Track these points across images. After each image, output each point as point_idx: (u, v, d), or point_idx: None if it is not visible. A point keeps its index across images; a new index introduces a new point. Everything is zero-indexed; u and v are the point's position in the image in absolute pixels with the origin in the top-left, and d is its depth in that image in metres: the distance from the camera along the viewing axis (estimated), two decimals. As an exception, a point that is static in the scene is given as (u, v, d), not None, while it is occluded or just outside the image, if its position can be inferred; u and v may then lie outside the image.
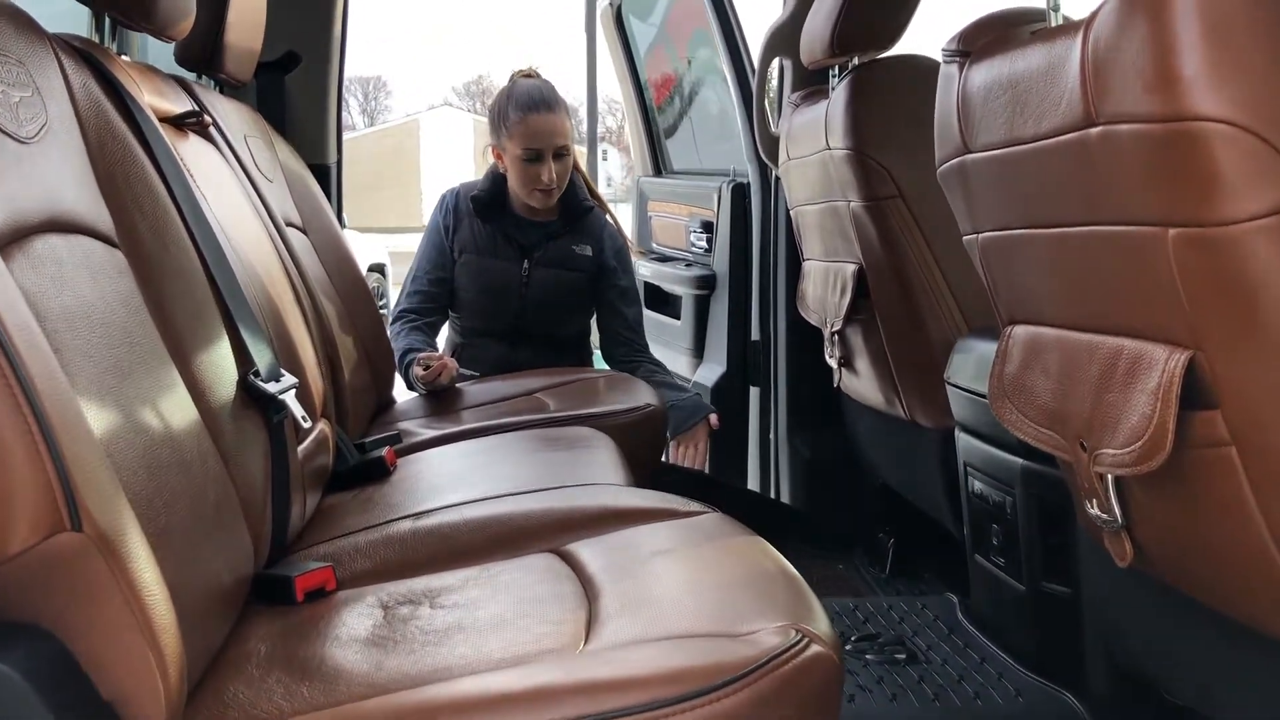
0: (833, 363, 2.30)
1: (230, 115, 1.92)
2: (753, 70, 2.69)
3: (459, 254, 2.60)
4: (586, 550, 1.27)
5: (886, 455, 2.37)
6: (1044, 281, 1.28)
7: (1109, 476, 1.18)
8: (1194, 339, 1.04)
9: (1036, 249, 1.27)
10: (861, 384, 2.27)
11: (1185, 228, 1.00)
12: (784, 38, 2.51)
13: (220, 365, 1.25)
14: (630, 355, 2.62)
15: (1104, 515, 1.22)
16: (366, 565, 1.34)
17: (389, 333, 2.50)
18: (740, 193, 2.86)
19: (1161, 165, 1.00)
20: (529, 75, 2.58)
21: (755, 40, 2.71)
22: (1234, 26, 0.96)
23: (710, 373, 2.95)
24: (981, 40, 1.36)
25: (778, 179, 2.67)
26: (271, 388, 1.31)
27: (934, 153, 1.52)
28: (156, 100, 1.51)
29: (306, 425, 1.36)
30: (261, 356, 1.32)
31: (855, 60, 2.14)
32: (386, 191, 27.26)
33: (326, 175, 2.50)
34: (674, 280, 3.14)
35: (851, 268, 2.13)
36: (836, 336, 2.25)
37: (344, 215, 2.65)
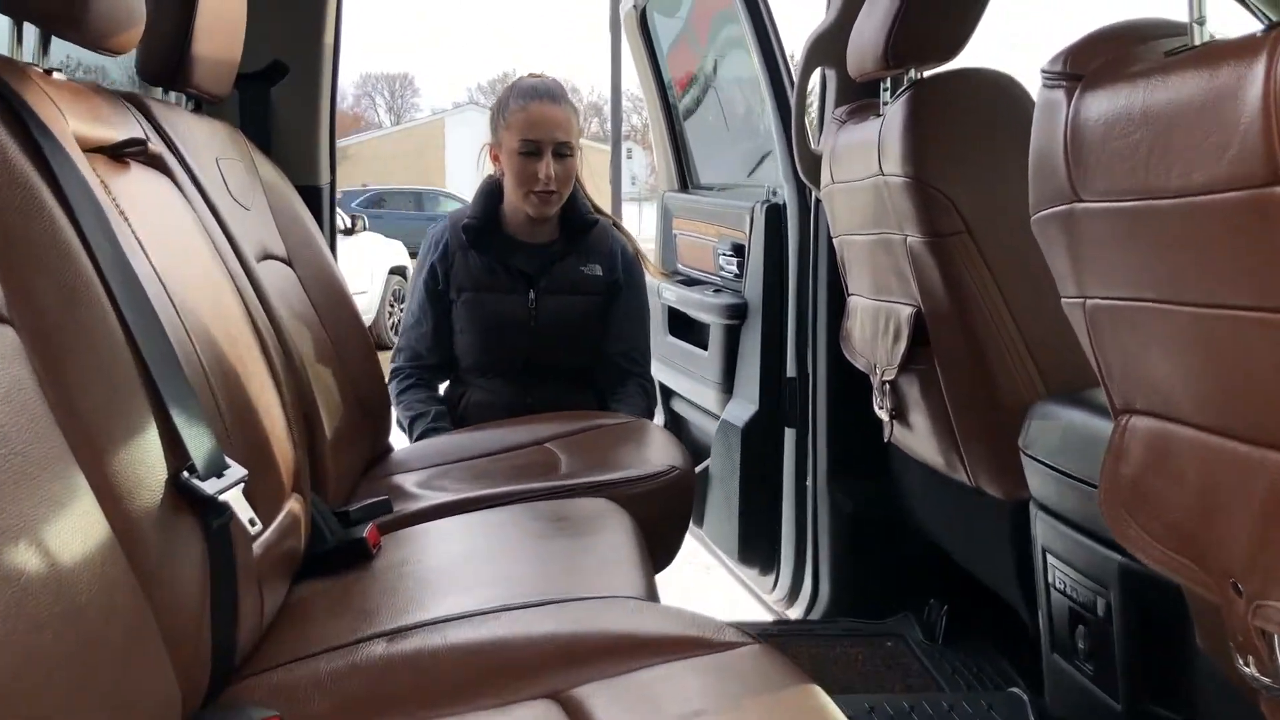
0: (883, 414, 2.03)
1: (197, 136, 1.67)
2: (791, 81, 2.43)
3: (457, 294, 2.34)
4: (596, 699, 1.02)
5: (943, 519, 2.09)
6: (1180, 369, 1.01)
7: (1278, 637, 0.90)
8: None
9: (1172, 328, 0.99)
10: (917, 440, 2.00)
11: None
12: (827, 46, 2.23)
13: (145, 463, 1.00)
14: (622, 388, 2.37)
15: (1264, 679, 0.94)
16: (324, 706, 1.09)
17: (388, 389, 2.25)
18: (775, 215, 2.59)
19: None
20: (536, 75, 2.33)
21: (793, 46, 2.45)
22: None
23: (740, 410, 2.69)
24: (1097, 61, 1.08)
25: (818, 201, 2.40)
26: (210, 486, 1.05)
27: (1009, 182, 1.38)
28: (89, 127, 1.25)
29: (255, 530, 1.11)
30: (199, 446, 1.07)
31: (912, 73, 1.88)
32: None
33: (318, 198, 2.24)
34: (701, 308, 2.88)
35: (907, 310, 1.86)
36: (888, 386, 1.98)
37: (338, 243, 2.39)
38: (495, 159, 2.32)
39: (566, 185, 2.29)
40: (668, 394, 3.28)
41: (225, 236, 1.58)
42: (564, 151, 2.25)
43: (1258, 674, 0.95)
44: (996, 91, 1.71)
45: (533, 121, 2.22)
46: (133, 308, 1.06)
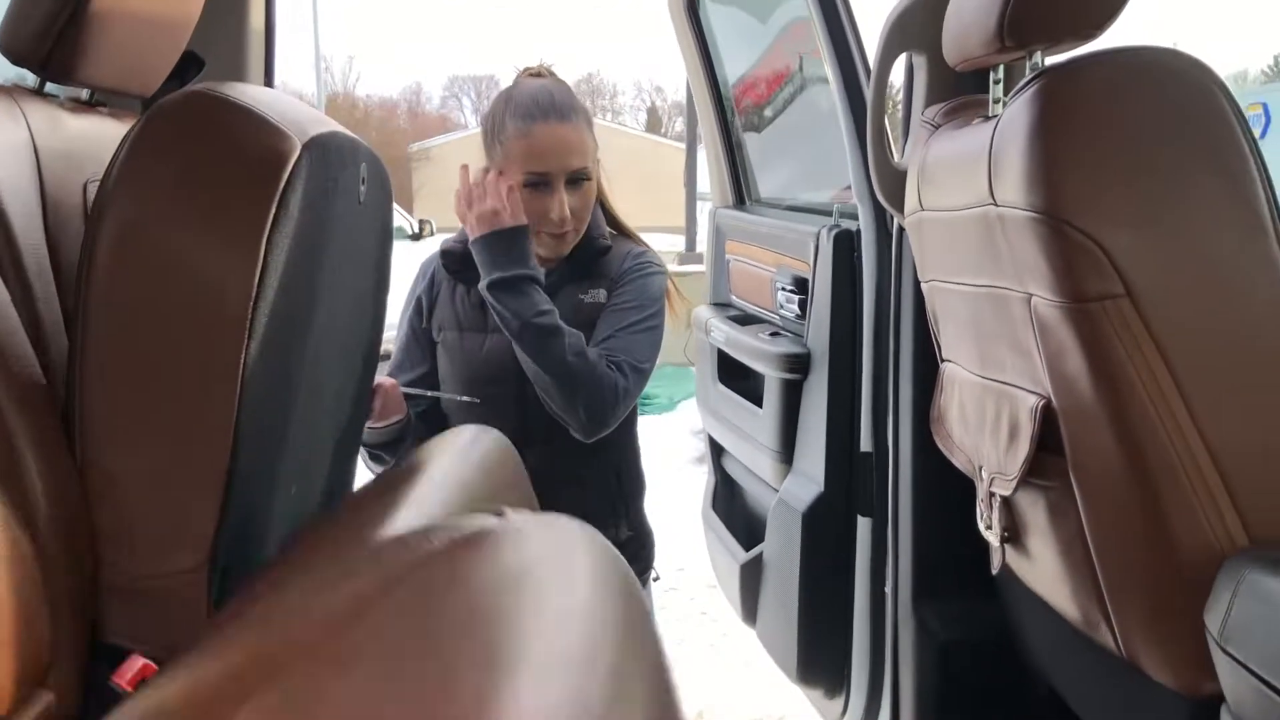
0: (990, 537, 1.46)
1: (76, 146, 1.20)
2: (867, 71, 1.86)
3: (438, 333, 1.83)
4: None
5: (1078, 683, 1.50)
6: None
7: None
8: None
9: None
10: (1040, 579, 1.42)
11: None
12: (916, 25, 1.67)
13: None
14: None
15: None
16: None
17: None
18: (846, 243, 2.03)
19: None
20: (537, 74, 1.79)
21: (870, 31, 1.88)
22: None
23: (802, 490, 2.13)
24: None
25: (902, 229, 1.83)
26: None
27: (1194, 220, 1.10)
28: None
29: None
30: None
31: (1037, 58, 1.30)
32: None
33: None
34: (754, 355, 2.32)
35: (1030, 400, 1.28)
36: (998, 500, 1.40)
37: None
38: None
39: (585, 215, 1.75)
40: (718, 451, 2.73)
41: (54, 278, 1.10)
42: (580, 178, 1.71)
43: None
44: (1177, 84, 1.12)
45: (538, 151, 1.68)
46: None
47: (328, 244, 1.14)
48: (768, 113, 2.83)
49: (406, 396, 1.77)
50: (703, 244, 14.22)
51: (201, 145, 1.01)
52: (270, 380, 1.06)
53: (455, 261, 1.81)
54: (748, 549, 2.40)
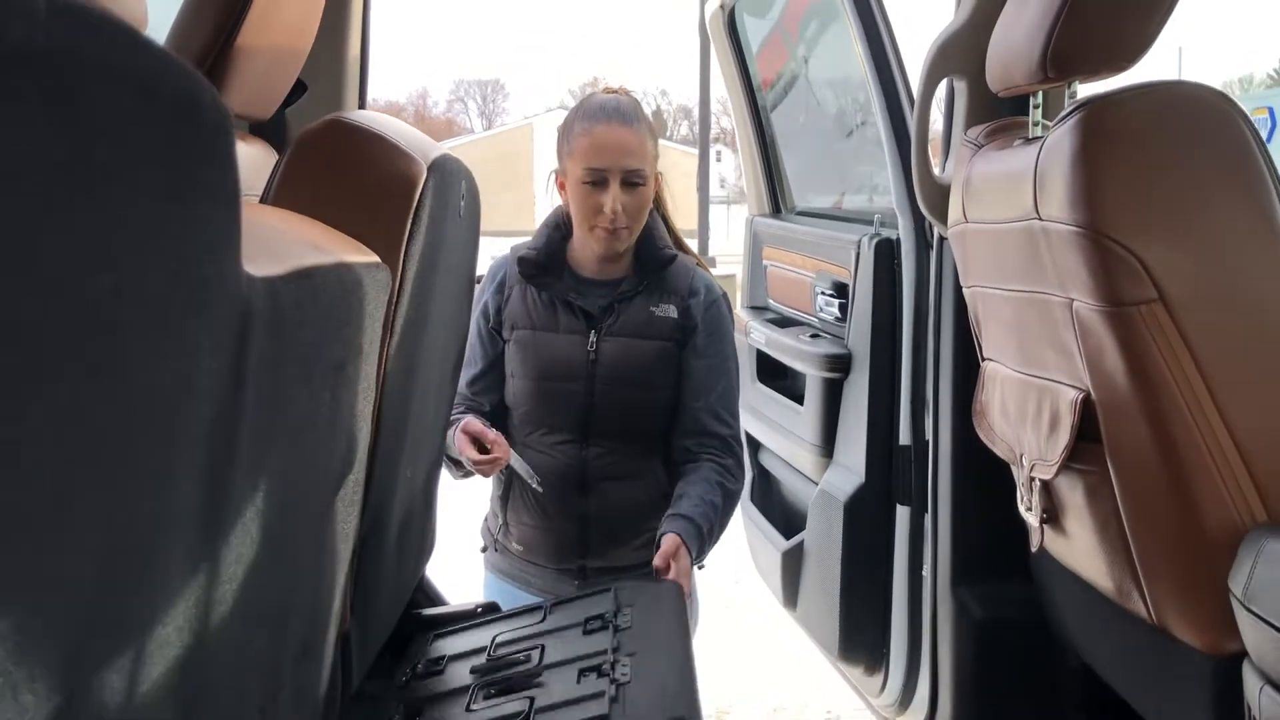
0: (1030, 518, 1.61)
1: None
2: (909, 95, 2.01)
3: (510, 331, 1.98)
4: None
5: (1110, 653, 1.66)
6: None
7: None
8: None
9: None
10: (1076, 556, 1.57)
11: None
12: (959, 52, 1.82)
13: None
14: (700, 448, 1.93)
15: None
16: None
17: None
18: (887, 250, 2.18)
19: None
20: (612, 91, 1.95)
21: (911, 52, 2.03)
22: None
23: (843, 481, 2.28)
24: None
25: (941, 239, 1.98)
26: None
27: (1220, 234, 1.26)
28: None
29: None
30: None
31: (1075, 86, 1.45)
32: (499, 196, 27.28)
33: None
34: (796, 356, 2.47)
35: (1070, 394, 1.44)
36: (1039, 485, 1.56)
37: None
38: (561, 188, 1.94)
39: (638, 219, 1.90)
40: (755, 446, 2.88)
41: None
42: (635, 180, 1.86)
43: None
44: (1204, 113, 1.28)
45: (598, 147, 1.84)
46: None
47: (442, 254, 1.29)
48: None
49: (464, 401, 1.94)
50: (714, 248, 14.37)
51: (347, 170, 1.15)
52: (402, 376, 1.21)
53: (529, 267, 1.96)
54: (787, 539, 2.55)
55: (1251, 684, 1.22)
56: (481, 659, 1.46)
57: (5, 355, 0.38)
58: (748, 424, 2.87)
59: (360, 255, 0.96)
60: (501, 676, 1.41)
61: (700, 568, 1.98)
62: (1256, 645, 1.19)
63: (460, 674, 1.50)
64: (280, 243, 0.80)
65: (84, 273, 0.43)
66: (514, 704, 1.31)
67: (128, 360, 0.47)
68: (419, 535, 1.59)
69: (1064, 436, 1.44)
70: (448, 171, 1.24)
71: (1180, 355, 1.27)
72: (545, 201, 2.09)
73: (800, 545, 2.47)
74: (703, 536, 1.78)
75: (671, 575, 1.69)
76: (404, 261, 1.14)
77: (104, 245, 0.44)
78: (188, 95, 0.51)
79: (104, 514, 0.47)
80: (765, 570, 2.70)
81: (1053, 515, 1.57)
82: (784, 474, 2.72)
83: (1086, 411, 1.41)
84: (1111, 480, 1.39)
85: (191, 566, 0.60)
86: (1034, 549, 1.64)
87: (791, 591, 2.50)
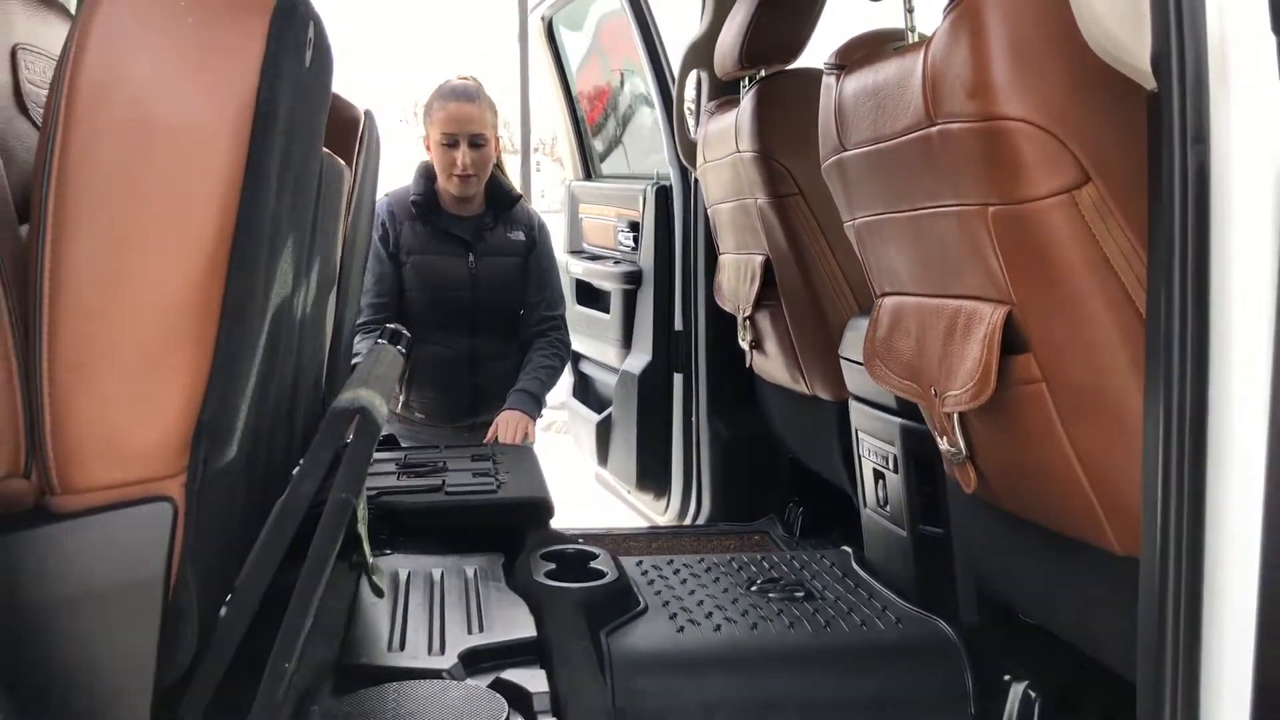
0: (745, 345, 2.55)
1: None
2: (673, 81, 2.94)
3: (405, 256, 2.80)
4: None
5: (794, 430, 2.61)
6: (903, 257, 1.53)
7: (954, 415, 1.42)
8: (1010, 296, 1.29)
9: (896, 229, 1.52)
10: (770, 364, 2.51)
11: (1000, 205, 1.25)
12: (700, 51, 2.76)
13: None
14: (542, 325, 2.89)
15: (952, 449, 1.47)
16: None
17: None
18: (664, 194, 3.10)
19: (981, 155, 1.25)
20: (462, 78, 2.81)
21: (675, 53, 2.96)
22: (1033, 44, 1.22)
23: (637, 361, 3.18)
24: (855, 56, 1.61)
25: (697, 181, 2.91)
26: None
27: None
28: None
29: None
30: None
31: (762, 72, 2.39)
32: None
33: None
34: (603, 277, 3.37)
35: (759, 259, 2.37)
36: (748, 322, 2.49)
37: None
38: (428, 148, 2.79)
39: (483, 169, 2.77)
40: (577, 358, 3.76)
41: None
42: (478, 142, 2.73)
43: (949, 447, 1.47)
44: (818, 85, 2.23)
45: (451, 118, 2.71)
46: None
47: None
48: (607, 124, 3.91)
49: (375, 309, 2.76)
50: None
51: None
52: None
53: (421, 208, 2.79)
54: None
55: (850, 405, 2.17)
56: (401, 461, 2.35)
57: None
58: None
59: None
60: (417, 462, 2.30)
61: (540, 417, 2.87)
62: (850, 379, 2.14)
63: (385, 467, 2.35)
64: None
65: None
66: (430, 480, 2.20)
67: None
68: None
69: (756, 286, 2.37)
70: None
71: (811, 225, 2.22)
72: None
73: (609, 417, 3.35)
74: (539, 399, 2.75)
75: (505, 439, 2.65)
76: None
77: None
78: None
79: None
80: (583, 442, 3.58)
81: (757, 341, 2.51)
82: (597, 373, 3.61)
83: (768, 268, 2.35)
84: (783, 308, 2.33)
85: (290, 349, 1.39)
86: (748, 367, 2.58)
87: (604, 451, 3.38)
